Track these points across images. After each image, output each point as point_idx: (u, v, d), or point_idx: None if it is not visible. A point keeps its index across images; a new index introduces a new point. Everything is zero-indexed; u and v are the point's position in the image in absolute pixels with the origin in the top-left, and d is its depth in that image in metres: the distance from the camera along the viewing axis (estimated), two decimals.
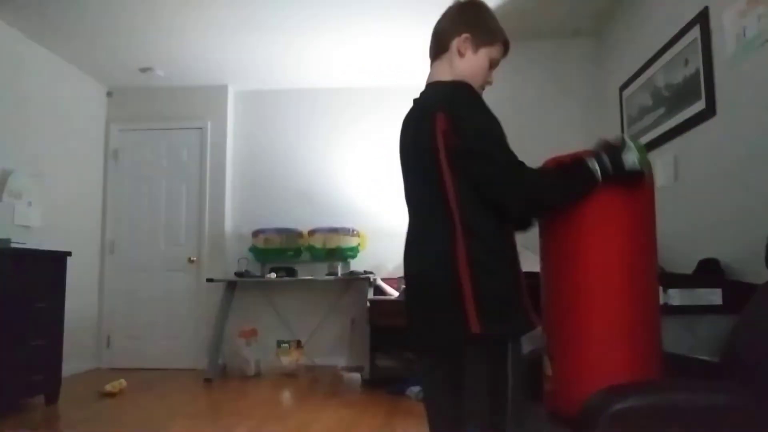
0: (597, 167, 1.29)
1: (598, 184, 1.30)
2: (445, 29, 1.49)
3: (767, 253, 1.58)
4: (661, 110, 3.10)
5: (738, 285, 2.05)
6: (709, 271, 2.43)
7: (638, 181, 1.32)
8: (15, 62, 4.22)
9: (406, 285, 1.49)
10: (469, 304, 1.29)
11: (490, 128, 1.33)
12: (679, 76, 2.89)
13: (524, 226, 1.50)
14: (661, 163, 3.09)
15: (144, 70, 4.99)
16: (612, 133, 3.84)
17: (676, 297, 2.02)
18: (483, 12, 1.51)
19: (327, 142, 5.38)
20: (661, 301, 2.00)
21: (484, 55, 1.47)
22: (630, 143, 1.31)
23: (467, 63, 1.47)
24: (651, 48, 3.23)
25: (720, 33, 2.51)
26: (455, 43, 1.46)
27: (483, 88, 1.52)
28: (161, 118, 5.40)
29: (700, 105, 2.67)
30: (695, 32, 2.71)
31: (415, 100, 1.51)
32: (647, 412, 1.18)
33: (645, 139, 3.29)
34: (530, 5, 3.81)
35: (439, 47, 1.50)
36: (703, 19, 2.64)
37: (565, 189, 1.33)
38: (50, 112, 4.60)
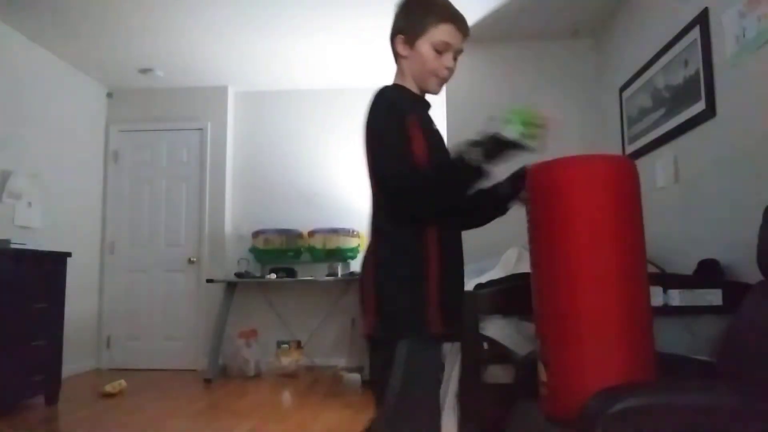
0: (475, 155, 1.28)
1: (483, 169, 1.30)
2: (390, 38, 1.53)
3: (759, 253, 1.59)
4: (661, 111, 3.10)
5: (738, 286, 2.05)
6: (708, 272, 2.43)
7: (524, 150, 1.31)
8: (15, 63, 4.22)
9: None
10: (369, 304, 1.38)
11: (383, 134, 1.36)
12: (679, 77, 2.89)
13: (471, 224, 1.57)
14: (660, 164, 3.09)
15: (144, 71, 4.99)
16: (612, 134, 3.86)
17: (675, 297, 2.02)
18: (411, 5, 1.50)
19: (327, 142, 5.38)
20: (661, 302, 2.01)
21: (422, 45, 1.45)
22: (509, 116, 1.28)
23: (409, 62, 1.49)
24: (651, 49, 3.23)
25: (720, 34, 2.51)
26: (396, 47, 1.51)
27: (442, 78, 1.49)
28: (161, 119, 5.40)
29: (699, 106, 2.67)
30: (695, 33, 2.71)
31: None
32: (647, 412, 1.18)
33: (645, 140, 3.29)
34: (530, 6, 3.81)
35: (393, 55, 1.55)
36: (702, 20, 2.64)
37: (451, 185, 1.33)
38: (50, 113, 4.60)
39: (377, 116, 1.39)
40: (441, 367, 1.38)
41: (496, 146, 1.28)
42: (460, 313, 1.50)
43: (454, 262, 1.45)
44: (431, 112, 1.56)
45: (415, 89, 1.51)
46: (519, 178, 1.51)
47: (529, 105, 1.33)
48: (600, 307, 1.31)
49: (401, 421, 1.32)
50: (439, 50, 1.45)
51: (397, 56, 1.53)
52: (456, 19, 1.45)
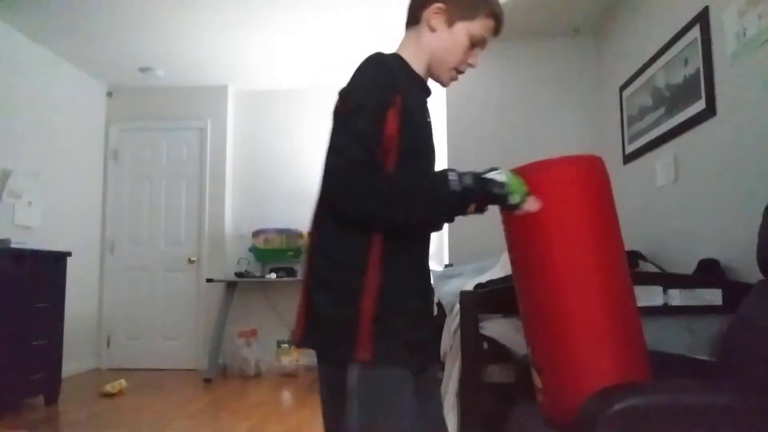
0: (455, 179, 1.10)
1: (452, 200, 1.10)
2: (421, 2, 1.27)
3: (759, 252, 1.58)
4: (661, 110, 3.09)
5: (738, 285, 2.05)
6: (709, 272, 2.42)
7: (504, 202, 1.19)
8: (15, 62, 4.22)
9: None
10: (302, 305, 1.19)
11: (354, 108, 1.12)
12: (679, 75, 2.89)
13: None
14: (661, 164, 3.09)
15: (144, 69, 4.99)
16: (612, 133, 3.86)
17: (675, 297, 2.02)
18: None
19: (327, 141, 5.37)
20: (662, 302, 2.00)
21: (461, 31, 1.24)
22: (502, 170, 1.18)
23: (438, 39, 1.25)
24: (651, 48, 3.22)
25: (720, 32, 2.51)
26: (426, 15, 1.24)
27: (460, 72, 1.30)
28: (161, 117, 5.40)
29: (700, 105, 2.67)
30: (695, 32, 2.71)
31: None
32: (646, 412, 1.18)
33: (645, 139, 3.29)
34: (530, 5, 3.81)
35: (409, 18, 1.29)
36: (703, 18, 2.64)
37: (409, 196, 1.10)
38: (50, 112, 4.60)
39: (356, 85, 1.15)
40: (402, 387, 1.14)
41: (479, 179, 1.13)
42: (421, 337, 1.21)
43: (406, 273, 1.20)
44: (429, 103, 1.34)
45: (419, 69, 1.27)
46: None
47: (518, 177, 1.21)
48: (584, 308, 1.31)
49: None
50: (474, 44, 1.26)
51: (417, 22, 1.26)
52: (500, 18, 1.27)
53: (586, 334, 1.30)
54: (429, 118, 1.28)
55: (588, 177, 1.33)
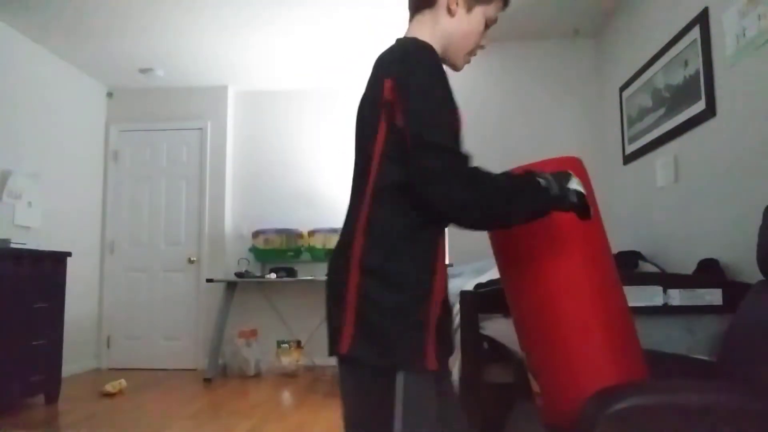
0: (549, 184, 1.09)
1: (550, 205, 1.10)
2: None
3: (759, 253, 1.58)
4: (661, 111, 3.10)
5: (738, 285, 2.05)
6: (708, 272, 2.43)
7: (585, 209, 1.15)
8: (15, 63, 4.22)
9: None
10: (348, 314, 1.06)
11: (428, 95, 1.05)
12: (679, 76, 2.89)
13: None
14: (661, 164, 3.09)
15: (144, 70, 4.99)
16: (612, 134, 3.86)
17: (675, 297, 2.02)
18: None
19: (327, 142, 5.38)
20: (661, 302, 2.00)
21: (479, 14, 1.22)
22: (573, 178, 1.16)
23: (457, 24, 1.21)
24: (651, 48, 3.23)
25: (720, 33, 2.51)
26: (448, 1, 1.21)
27: (473, 54, 1.28)
28: (161, 118, 5.40)
29: (700, 105, 2.67)
30: (695, 33, 2.71)
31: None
32: (646, 412, 1.18)
33: (645, 140, 3.30)
34: (530, 5, 3.81)
35: (420, 1, 1.24)
36: (702, 19, 2.64)
37: (518, 203, 1.06)
38: (50, 112, 4.60)
39: (420, 71, 1.07)
40: (432, 393, 1.09)
41: (562, 185, 1.11)
42: (451, 341, 1.19)
43: (445, 279, 1.15)
44: None
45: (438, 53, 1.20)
46: None
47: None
48: (575, 310, 1.31)
49: None
50: (488, 26, 1.25)
51: (430, 6, 1.22)
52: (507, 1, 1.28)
53: (579, 337, 1.30)
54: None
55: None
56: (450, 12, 1.20)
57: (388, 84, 1.07)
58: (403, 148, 1.04)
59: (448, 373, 1.27)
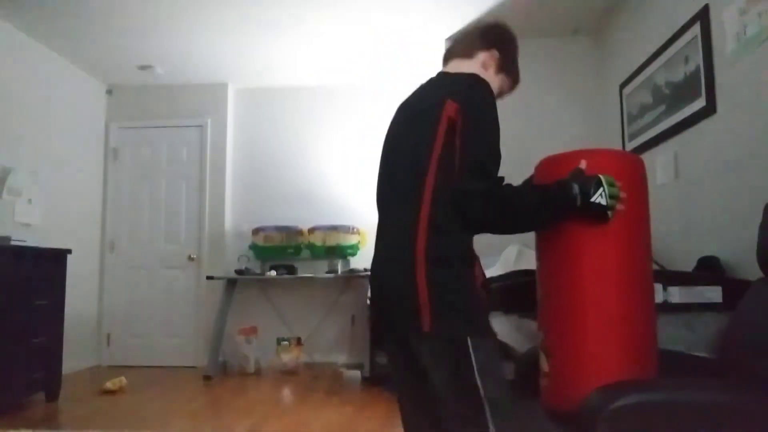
0: (577, 192, 1.27)
1: (572, 212, 1.29)
2: (477, 37, 1.50)
3: (759, 250, 1.59)
4: (662, 108, 3.10)
5: (738, 282, 2.05)
6: (708, 269, 2.43)
7: (603, 216, 1.30)
8: (14, 60, 4.22)
9: (371, 281, 1.43)
10: (422, 299, 1.25)
11: (494, 137, 1.29)
12: (679, 73, 2.89)
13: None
14: (661, 161, 3.09)
15: (144, 67, 4.98)
16: (612, 131, 3.86)
17: (675, 294, 2.02)
18: (515, 44, 1.55)
19: (327, 139, 5.38)
20: (661, 299, 2.01)
21: (500, 80, 1.50)
22: (601, 178, 1.28)
23: (488, 76, 1.46)
24: (651, 46, 3.22)
25: (720, 31, 2.51)
26: (483, 56, 1.48)
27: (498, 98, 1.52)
28: (161, 115, 5.40)
29: (700, 103, 2.67)
30: (695, 30, 2.71)
31: (421, 85, 1.47)
32: (645, 409, 1.18)
33: (645, 137, 3.29)
34: (530, 3, 3.81)
35: (463, 50, 1.51)
36: (703, 16, 2.64)
37: (538, 213, 1.29)
38: (50, 110, 4.60)
39: (484, 105, 1.30)
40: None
41: (586, 193, 1.27)
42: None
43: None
44: None
45: None
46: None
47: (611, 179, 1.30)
48: (603, 301, 1.32)
49: (502, 422, 1.21)
50: (498, 95, 1.48)
51: (469, 57, 1.49)
52: (516, 86, 1.56)
53: (599, 327, 1.32)
54: None
55: (628, 173, 1.36)
56: (485, 67, 1.48)
57: (453, 106, 1.27)
58: (454, 163, 1.26)
59: None
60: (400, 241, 1.30)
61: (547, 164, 1.44)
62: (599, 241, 1.33)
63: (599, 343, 1.31)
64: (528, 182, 1.59)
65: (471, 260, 1.30)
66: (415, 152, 1.32)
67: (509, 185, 1.29)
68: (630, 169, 1.38)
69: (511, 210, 1.25)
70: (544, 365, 1.41)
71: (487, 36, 1.50)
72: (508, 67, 1.50)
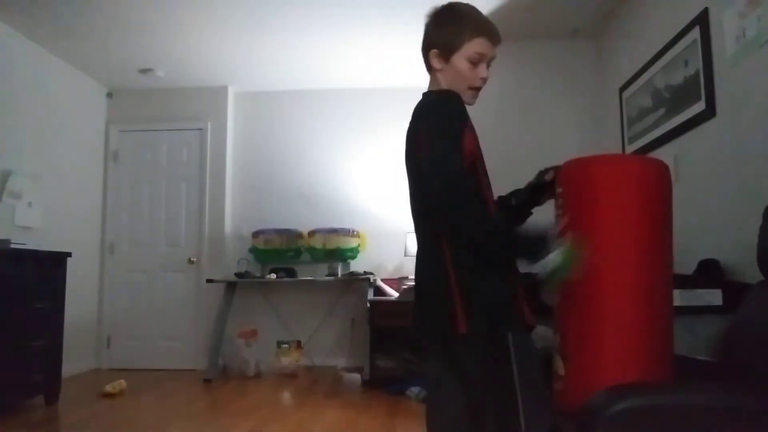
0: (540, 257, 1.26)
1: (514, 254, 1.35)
2: (423, 49, 1.53)
3: (759, 253, 1.59)
4: (661, 111, 3.10)
5: (738, 285, 2.05)
6: (709, 272, 2.43)
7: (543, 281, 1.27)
8: (15, 63, 4.22)
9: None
10: (457, 303, 1.33)
11: (439, 135, 1.34)
12: (679, 77, 2.89)
13: None
14: None
15: (144, 71, 4.99)
16: (612, 134, 3.85)
17: (676, 297, 2.02)
18: (443, 19, 1.49)
19: (327, 142, 5.38)
20: None
21: (457, 60, 1.46)
22: (561, 250, 1.24)
23: (445, 75, 1.49)
24: (651, 49, 3.23)
25: (720, 34, 2.51)
26: (430, 61, 1.51)
27: (478, 88, 1.51)
28: (161, 119, 5.40)
29: (700, 106, 2.67)
30: (695, 33, 2.71)
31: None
32: (647, 412, 1.18)
33: (645, 140, 3.29)
34: (530, 5, 3.81)
35: (426, 66, 1.55)
36: (702, 20, 2.64)
37: (495, 245, 1.33)
38: (50, 112, 4.60)
39: (435, 117, 1.39)
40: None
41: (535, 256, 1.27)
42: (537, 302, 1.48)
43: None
44: None
45: None
46: (537, 187, 1.57)
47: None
48: (622, 306, 1.33)
49: (533, 414, 1.30)
50: (474, 62, 1.46)
51: (430, 68, 1.53)
52: (488, 30, 1.46)
53: (617, 331, 1.32)
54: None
55: (652, 180, 1.39)
56: (436, 69, 1.50)
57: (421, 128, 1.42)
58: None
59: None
60: (427, 257, 1.46)
61: (571, 168, 1.43)
62: (620, 245, 1.34)
63: (617, 347, 1.32)
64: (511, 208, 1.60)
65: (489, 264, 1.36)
66: (416, 178, 1.47)
67: (488, 218, 1.34)
68: (655, 175, 1.39)
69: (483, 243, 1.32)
70: (560, 368, 1.41)
71: (424, 40, 1.53)
72: (453, 45, 1.46)
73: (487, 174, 1.47)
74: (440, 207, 1.30)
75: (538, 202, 1.60)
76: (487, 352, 1.36)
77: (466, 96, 1.48)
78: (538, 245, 1.27)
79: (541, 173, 1.57)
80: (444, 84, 1.49)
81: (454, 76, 1.47)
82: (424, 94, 1.50)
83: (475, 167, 1.39)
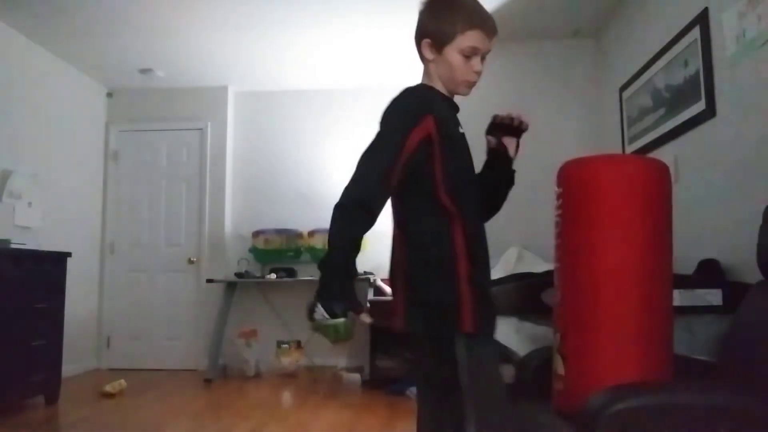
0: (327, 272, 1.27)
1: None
2: (415, 38, 1.48)
3: (759, 253, 1.59)
4: (661, 111, 3.10)
5: (738, 286, 2.05)
6: (709, 272, 2.43)
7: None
8: (15, 63, 4.22)
9: None
10: (400, 299, 1.38)
11: (379, 138, 1.35)
12: (679, 77, 2.89)
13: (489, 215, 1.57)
14: None
15: (144, 70, 4.99)
16: (612, 134, 3.85)
17: (675, 297, 2.01)
18: (437, 8, 1.44)
19: (327, 142, 5.38)
20: None
21: (450, 53, 1.41)
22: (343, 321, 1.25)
23: (437, 66, 1.45)
24: (651, 49, 3.23)
25: (720, 34, 2.51)
26: (422, 51, 1.46)
27: (472, 82, 1.46)
28: (161, 118, 5.40)
29: (700, 106, 2.67)
30: (695, 33, 2.71)
31: None
32: (647, 412, 1.18)
33: (645, 140, 3.29)
34: (530, 5, 3.81)
35: (419, 56, 1.51)
36: (702, 20, 2.64)
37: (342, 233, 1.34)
38: (50, 112, 4.60)
39: (386, 116, 1.39)
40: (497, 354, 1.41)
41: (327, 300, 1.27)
42: (494, 307, 1.43)
43: (482, 257, 1.43)
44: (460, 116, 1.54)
45: (444, 90, 1.48)
46: (494, 128, 1.56)
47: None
48: (622, 305, 1.33)
49: (485, 423, 1.28)
50: (468, 56, 1.41)
51: (423, 58, 1.48)
52: (483, 23, 1.42)
53: (617, 331, 1.32)
54: (461, 129, 1.48)
55: (652, 179, 1.39)
56: (428, 59, 1.45)
57: None
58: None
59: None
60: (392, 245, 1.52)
61: (571, 168, 1.44)
62: (620, 245, 1.34)
63: (616, 347, 1.32)
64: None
65: (453, 256, 1.34)
66: None
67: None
68: (655, 175, 1.39)
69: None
70: (560, 368, 1.41)
71: (416, 30, 1.47)
72: (446, 36, 1.40)
73: (462, 157, 1.44)
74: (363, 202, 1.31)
75: (499, 147, 1.58)
76: (431, 351, 1.38)
77: (460, 88, 1.46)
78: (335, 289, 1.25)
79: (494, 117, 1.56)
80: (435, 76, 1.46)
81: (446, 69, 1.43)
82: (406, 87, 1.45)
83: (432, 154, 1.35)
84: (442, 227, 1.35)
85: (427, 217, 1.38)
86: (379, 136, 1.36)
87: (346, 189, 1.30)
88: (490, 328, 1.38)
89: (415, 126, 1.32)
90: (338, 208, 1.30)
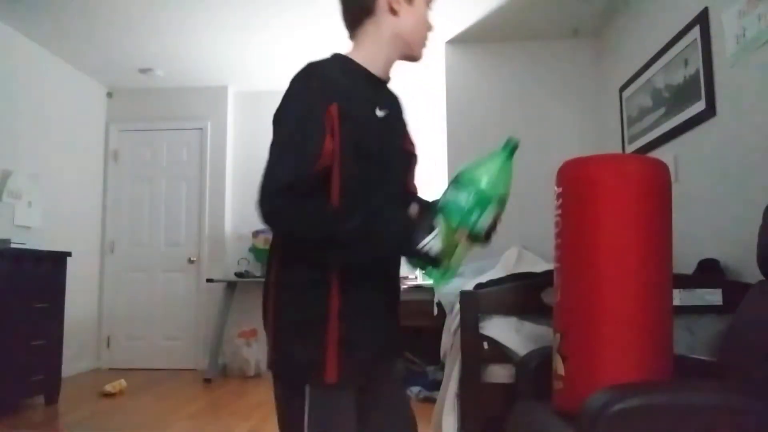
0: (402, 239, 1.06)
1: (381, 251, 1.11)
2: (356, 10, 1.22)
3: (759, 253, 1.59)
4: (661, 111, 3.10)
5: (738, 285, 2.05)
6: (709, 272, 2.42)
7: (429, 261, 1.07)
8: (15, 63, 4.22)
9: None
10: (269, 329, 1.17)
11: (286, 126, 1.11)
12: (679, 76, 2.89)
13: None
14: None
15: (144, 70, 4.99)
16: (612, 134, 3.85)
17: (676, 297, 2.01)
18: None
19: None
20: None
21: (420, 2, 1.21)
22: (440, 228, 1.05)
23: (404, 19, 1.19)
24: (651, 48, 3.23)
25: (720, 33, 2.51)
26: (382, 2, 1.18)
27: (428, 40, 1.25)
28: (161, 118, 5.40)
29: (700, 105, 2.67)
30: (695, 33, 2.71)
31: None
32: (647, 412, 1.18)
33: (645, 140, 3.29)
34: (530, 5, 3.81)
35: (359, 14, 1.21)
36: (702, 19, 2.64)
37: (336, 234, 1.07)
38: (50, 112, 4.60)
39: (286, 101, 1.16)
40: (353, 418, 1.16)
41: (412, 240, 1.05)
42: (377, 356, 1.20)
43: (366, 294, 1.16)
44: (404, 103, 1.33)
45: (381, 61, 1.22)
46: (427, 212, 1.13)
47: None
48: (622, 305, 1.33)
49: None
50: (430, 7, 1.23)
51: (370, 14, 1.19)
52: None
53: (617, 330, 1.33)
54: (381, 111, 1.19)
55: (652, 179, 1.39)
56: (394, 12, 1.18)
57: None
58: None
59: (393, 374, 1.30)
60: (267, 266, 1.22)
61: (571, 168, 1.43)
62: (620, 245, 1.34)
63: (616, 346, 1.32)
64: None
65: (325, 285, 1.11)
66: None
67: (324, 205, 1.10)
68: (655, 175, 1.39)
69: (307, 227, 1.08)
70: (560, 368, 1.41)
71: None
72: None
73: (382, 158, 1.17)
74: (268, 218, 1.07)
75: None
76: (283, 395, 1.22)
77: (418, 51, 1.24)
78: (409, 224, 1.07)
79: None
80: (390, 36, 1.19)
81: (413, 24, 1.20)
82: (306, 64, 1.21)
83: (338, 160, 1.10)
84: (317, 274, 1.12)
85: (301, 264, 1.13)
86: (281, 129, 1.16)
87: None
88: (354, 379, 1.15)
89: (332, 109, 1.13)
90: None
